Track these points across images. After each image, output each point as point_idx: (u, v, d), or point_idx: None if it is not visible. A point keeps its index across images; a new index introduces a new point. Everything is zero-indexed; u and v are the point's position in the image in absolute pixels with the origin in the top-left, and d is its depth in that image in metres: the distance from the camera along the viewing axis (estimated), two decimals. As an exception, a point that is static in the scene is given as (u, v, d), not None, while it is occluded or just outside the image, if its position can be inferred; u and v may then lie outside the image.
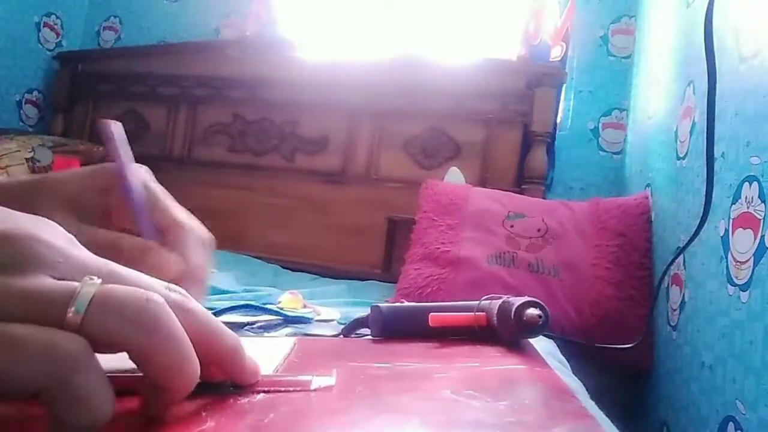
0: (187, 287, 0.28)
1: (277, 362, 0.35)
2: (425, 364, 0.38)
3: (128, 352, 0.23)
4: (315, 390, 0.30)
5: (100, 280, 0.23)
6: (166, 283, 0.26)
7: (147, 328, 0.23)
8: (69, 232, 0.25)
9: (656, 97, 1.41)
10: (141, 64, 1.97)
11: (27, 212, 0.25)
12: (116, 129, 0.35)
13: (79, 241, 0.26)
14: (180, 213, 0.36)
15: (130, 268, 0.26)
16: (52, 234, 0.24)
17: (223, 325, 0.28)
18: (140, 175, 0.35)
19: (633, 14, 1.75)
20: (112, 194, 0.35)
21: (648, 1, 1.65)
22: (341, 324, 0.81)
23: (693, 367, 0.94)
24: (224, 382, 0.29)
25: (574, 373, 0.84)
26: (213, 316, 0.27)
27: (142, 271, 0.27)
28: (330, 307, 0.98)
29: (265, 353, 0.37)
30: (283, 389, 0.30)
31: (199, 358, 0.25)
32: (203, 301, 0.33)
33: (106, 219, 0.35)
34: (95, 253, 0.25)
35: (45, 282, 0.22)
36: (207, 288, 0.35)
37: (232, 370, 0.29)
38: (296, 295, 0.97)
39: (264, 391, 0.29)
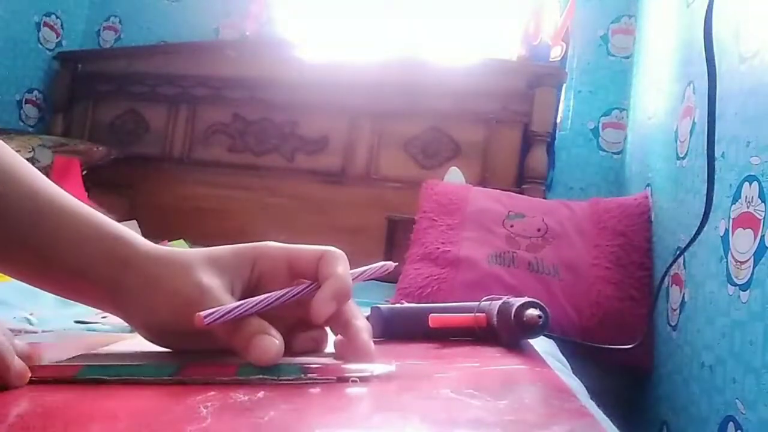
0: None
1: None
2: (425, 364, 0.38)
3: None
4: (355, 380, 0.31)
5: None
6: None
7: None
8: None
9: (656, 97, 1.41)
10: (141, 64, 1.97)
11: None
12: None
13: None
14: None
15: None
16: None
17: None
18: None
19: (633, 14, 1.75)
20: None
21: (648, 1, 1.65)
22: (341, 324, 0.81)
23: (693, 367, 0.94)
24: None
25: (574, 373, 0.83)
26: None
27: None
28: (330, 307, 0.98)
29: None
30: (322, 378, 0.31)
31: None
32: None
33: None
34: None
35: None
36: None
37: None
38: (296, 295, 0.97)
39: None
